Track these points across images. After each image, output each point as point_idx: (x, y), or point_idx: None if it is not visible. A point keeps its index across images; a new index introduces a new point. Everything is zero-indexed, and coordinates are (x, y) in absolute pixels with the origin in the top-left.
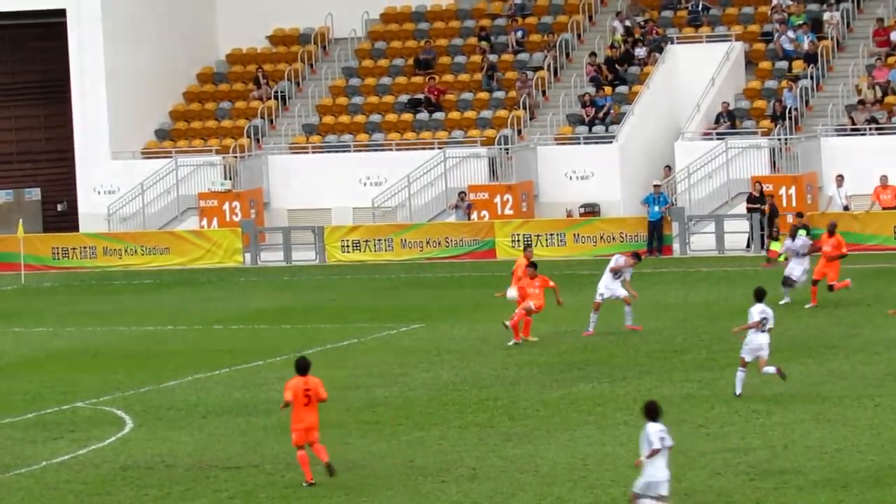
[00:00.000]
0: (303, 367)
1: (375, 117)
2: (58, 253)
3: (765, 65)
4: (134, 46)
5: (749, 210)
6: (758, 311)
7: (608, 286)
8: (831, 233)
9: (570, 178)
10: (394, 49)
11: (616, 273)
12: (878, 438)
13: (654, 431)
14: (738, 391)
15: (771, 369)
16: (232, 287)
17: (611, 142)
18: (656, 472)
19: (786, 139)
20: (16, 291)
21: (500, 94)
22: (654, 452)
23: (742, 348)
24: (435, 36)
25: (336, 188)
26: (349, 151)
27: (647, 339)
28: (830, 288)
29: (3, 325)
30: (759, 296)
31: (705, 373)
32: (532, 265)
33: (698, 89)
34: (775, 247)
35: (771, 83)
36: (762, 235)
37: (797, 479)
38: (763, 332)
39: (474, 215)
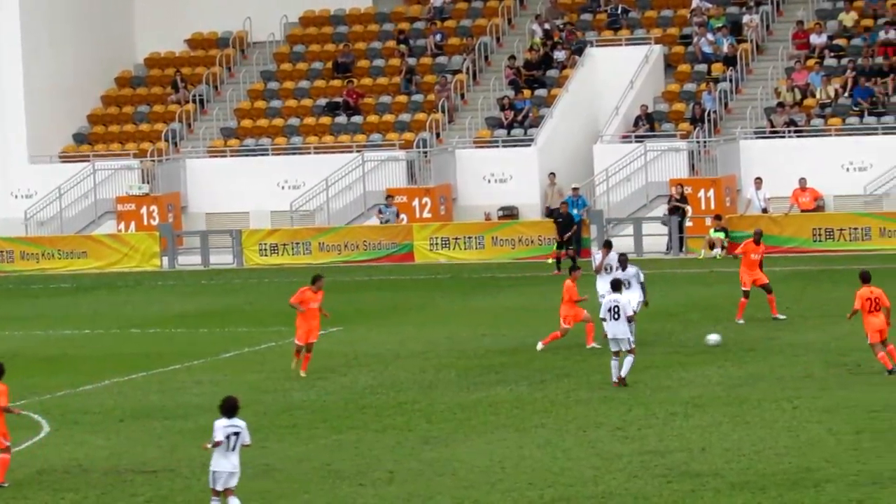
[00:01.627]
0: None
1: (294, 121)
2: None
3: (684, 67)
4: (52, 50)
5: (670, 212)
6: (606, 301)
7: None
8: (757, 241)
9: (489, 181)
10: (312, 52)
11: (602, 272)
12: (796, 440)
13: (219, 427)
14: (615, 379)
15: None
16: (149, 291)
17: (529, 145)
18: (219, 464)
19: (704, 142)
20: None
21: (418, 98)
22: (215, 444)
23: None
24: (353, 39)
25: (254, 192)
26: (267, 155)
27: (565, 341)
28: (768, 289)
29: None
30: (615, 286)
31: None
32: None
33: (617, 92)
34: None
35: (690, 86)
36: (681, 238)
37: (715, 482)
38: (616, 320)
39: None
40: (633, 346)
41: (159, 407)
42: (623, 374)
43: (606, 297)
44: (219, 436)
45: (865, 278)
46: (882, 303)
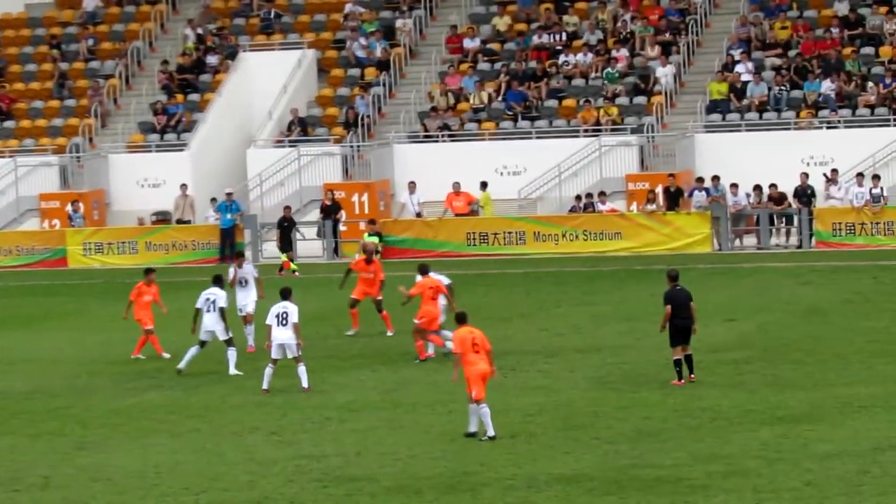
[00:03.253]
0: None
1: None
2: None
3: (337, 72)
4: None
5: (323, 218)
6: (275, 308)
7: (242, 300)
8: (369, 261)
9: (143, 185)
10: None
11: (237, 285)
12: (451, 444)
13: None
14: (265, 387)
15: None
16: None
17: (182, 149)
18: None
19: (358, 146)
20: None
21: (71, 103)
22: None
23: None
24: (6, 44)
25: None
26: None
27: (219, 347)
28: (379, 306)
29: None
30: (285, 294)
31: (277, 380)
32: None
33: (271, 97)
34: (284, 257)
35: (343, 90)
36: (336, 243)
37: (370, 486)
38: (283, 326)
39: (45, 223)
40: (300, 352)
41: None
42: (305, 385)
43: (279, 304)
44: None
45: (423, 270)
46: (441, 290)
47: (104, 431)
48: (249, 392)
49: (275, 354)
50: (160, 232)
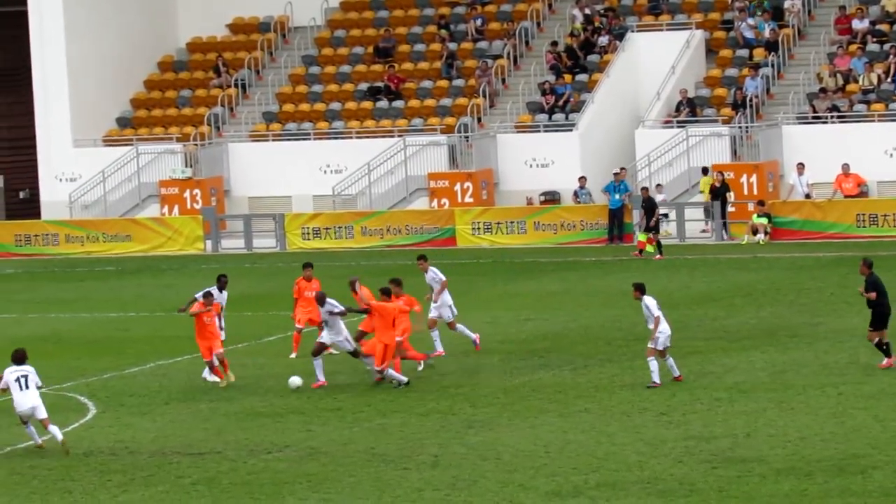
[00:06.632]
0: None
1: (335, 105)
2: (21, 240)
3: (725, 53)
4: (95, 35)
5: (712, 199)
6: (654, 303)
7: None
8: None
9: (531, 165)
10: (353, 37)
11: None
12: (841, 427)
13: (7, 372)
14: (657, 381)
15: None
16: (193, 274)
17: (571, 129)
18: (19, 403)
19: (746, 127)
20: None
21: (459, 83)
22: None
23: (655, 339)
24: (394, 24)
25: (296, 176)
26: (309, 139)
27: (607, 327)
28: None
29: None
30: (643, 289)
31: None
32: (395, 281)
33: (658, 77)
34: (642, 237)
35: (732, 71)
36: (724, 223)
37: (760, 468)
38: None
39: (434, 203)
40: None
41: (204, 390)
42: (677, 373)
43: (647, 298)
44: (6, 379)
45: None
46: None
47: (493, 410)
48: (638, 372)
49: (660, 346)
50: (549, 212)
